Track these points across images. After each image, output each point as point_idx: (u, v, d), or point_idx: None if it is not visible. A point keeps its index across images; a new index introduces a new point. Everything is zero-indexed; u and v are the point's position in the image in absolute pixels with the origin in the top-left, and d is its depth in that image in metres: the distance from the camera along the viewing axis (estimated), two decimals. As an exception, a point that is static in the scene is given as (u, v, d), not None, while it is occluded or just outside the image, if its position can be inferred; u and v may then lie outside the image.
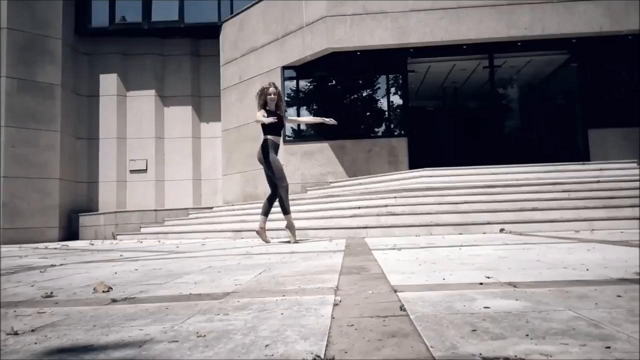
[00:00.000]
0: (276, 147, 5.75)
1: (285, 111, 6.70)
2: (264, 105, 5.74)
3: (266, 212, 5.90)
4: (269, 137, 5.64)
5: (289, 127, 11.26)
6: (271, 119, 5.42)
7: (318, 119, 6.23)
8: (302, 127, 11.75)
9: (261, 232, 5.84)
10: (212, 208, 11.95)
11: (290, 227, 5.70)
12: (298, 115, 11.43)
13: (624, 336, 1.14)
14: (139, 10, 13.48)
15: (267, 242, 5.81)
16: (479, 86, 13.53)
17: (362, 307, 1.61)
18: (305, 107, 11.96)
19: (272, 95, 5.70)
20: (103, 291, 2.21)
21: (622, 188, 7.35)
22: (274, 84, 5.85)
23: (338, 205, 8.22)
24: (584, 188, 7.47)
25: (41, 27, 12.15)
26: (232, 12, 13.22)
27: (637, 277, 2.00)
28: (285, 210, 5.66)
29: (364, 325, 1.36)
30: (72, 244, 9.68)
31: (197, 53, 14.03)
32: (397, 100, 11.51)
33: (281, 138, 5.95)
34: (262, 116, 5.50)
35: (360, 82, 11.92)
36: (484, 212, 6.69)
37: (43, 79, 12.08)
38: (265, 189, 11.63)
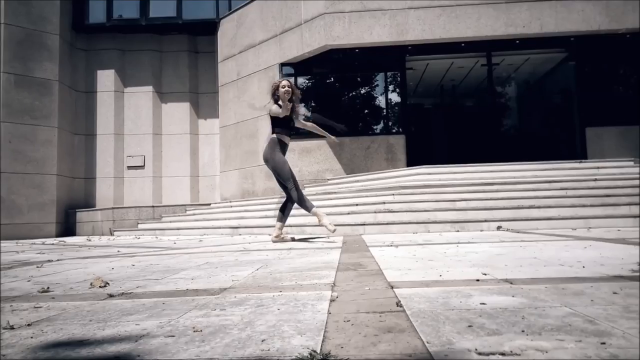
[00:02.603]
0: (283, 147, 5.38)
1: (308, 110, 6.42)
2: (276, 100, 5.35)
3: (280, 218, 5.44)
4: (276, 134, 5.33)
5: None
6: (282, 110, 5.12)
7: (327, 134, 5.94)
8: (300, 124, 11.73)
9: (279, 239, 5.33)
10: (209, 204, 11.94)
11: (320, 221, 5.26)
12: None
13: (619, 332, 1.14)
14: (137, 6, 13.45)
15: (290, 239, 5.44)
16: (477, 84, 13.55)
17: (358, 303, 1.61)
18: (303, 105, 11.94)
19: (287, 88, 5.24)
20: (100, 286, 2.21)
21: (619, 186, 7.36)
22: (288, 79, 5.47)
23: (335, 202, 8.22)
24: (581, 186, 7.48)
25: (38, 22, 12.10)
26: (230, 9, 13.19)
27: (633, 274, 2.00)
28: (308, 209, 5.32)
29: (361, 320, 1.36)
30: (69, 239, 9.67)
31: (195, 49, 13.99)
32: (395, 97, 11.50)
33: (289, 138, 5.52)
34: (275, 107, 5.19)
35: (359, 79, 11.92)
36: (481, 210, 6.70)
37: (40, 75, 12.04)
38: (264, 186, 11.70)
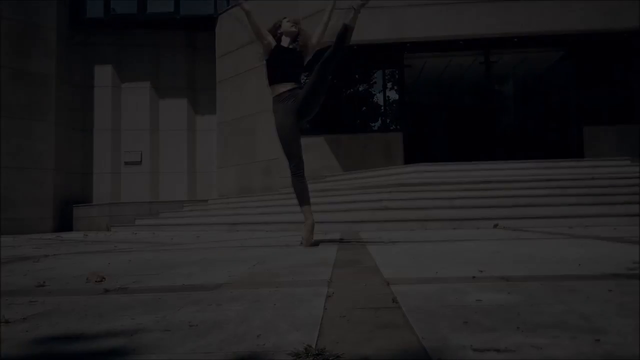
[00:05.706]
0: (286, 107, 3.83)
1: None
2: (275, 37, 3.96)
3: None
4: (275, 87, 3.86)
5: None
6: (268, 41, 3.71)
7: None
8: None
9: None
10: (207, 201, 11.93)
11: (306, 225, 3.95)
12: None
13: (614, 329, 1.15)
14: (134, 1, 13.40)
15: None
16: (475, 82, 13.54)
17: (354, 300, 1.61)
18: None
19: (290, 23, 3.97)
20: (96, 281, 2.20)
21: (616, 185, 7.39)
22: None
23: (333, 200, 8.22)
24: (578, 185, 7.50)
25: (35, 16, 12.04)
26: (228, 4, 13.15)
27: (629, 272, 2.01)
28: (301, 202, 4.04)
29: (356, 317, 1.36)
30: (65, 235, 9.64)
31: (193, 45, 13.95)
32: (393, 95, 11.50)
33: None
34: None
35: (357, 76, 11.90)
36: (479, 208, 6.71)
37: (37, 70, 11.98)
38: (262, 182, 11.69)
